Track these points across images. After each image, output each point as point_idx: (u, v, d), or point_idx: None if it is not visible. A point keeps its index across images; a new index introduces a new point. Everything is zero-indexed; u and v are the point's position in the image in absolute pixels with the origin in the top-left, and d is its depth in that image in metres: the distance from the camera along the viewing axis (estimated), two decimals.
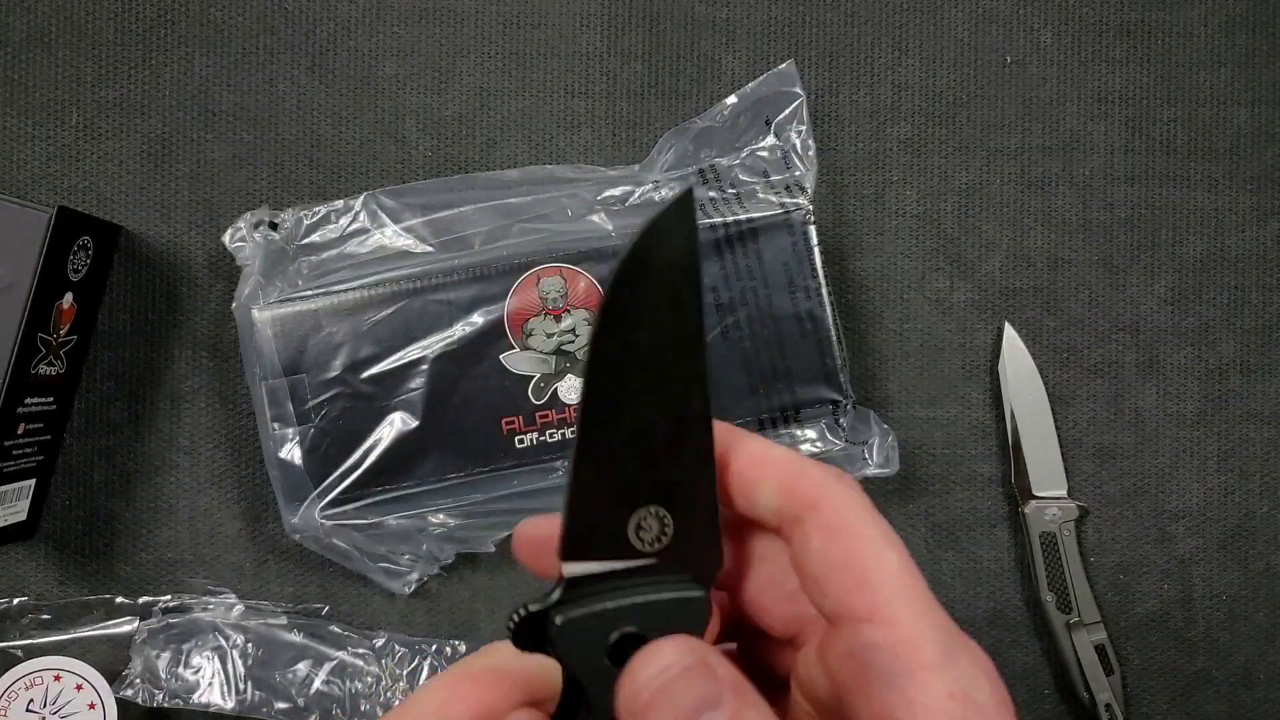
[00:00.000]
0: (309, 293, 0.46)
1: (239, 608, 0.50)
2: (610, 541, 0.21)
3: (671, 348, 0.21)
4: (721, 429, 0.22)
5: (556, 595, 0.21)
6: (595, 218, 0.47)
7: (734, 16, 0.52)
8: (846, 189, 0.52)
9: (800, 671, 0.23)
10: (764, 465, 0.22)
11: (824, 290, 0.48)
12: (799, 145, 0.48)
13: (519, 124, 0.51)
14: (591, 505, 0.21)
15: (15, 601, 0.49)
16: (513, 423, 0.47)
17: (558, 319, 0.47)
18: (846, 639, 0.21)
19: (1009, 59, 0.53)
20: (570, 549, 0.21)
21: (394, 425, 0.46)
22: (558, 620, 0.21)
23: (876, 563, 0.21)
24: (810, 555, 0.21)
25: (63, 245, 0.45)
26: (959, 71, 0.52)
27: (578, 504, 0.21)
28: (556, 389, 0.47)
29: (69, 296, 0.46)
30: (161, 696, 0.48)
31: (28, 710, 0.48)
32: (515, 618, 0.21)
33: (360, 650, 0.49)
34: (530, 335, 0.47)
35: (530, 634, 0.21)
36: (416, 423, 0.46)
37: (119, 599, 0.50)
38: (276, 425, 0.46)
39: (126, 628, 0.49)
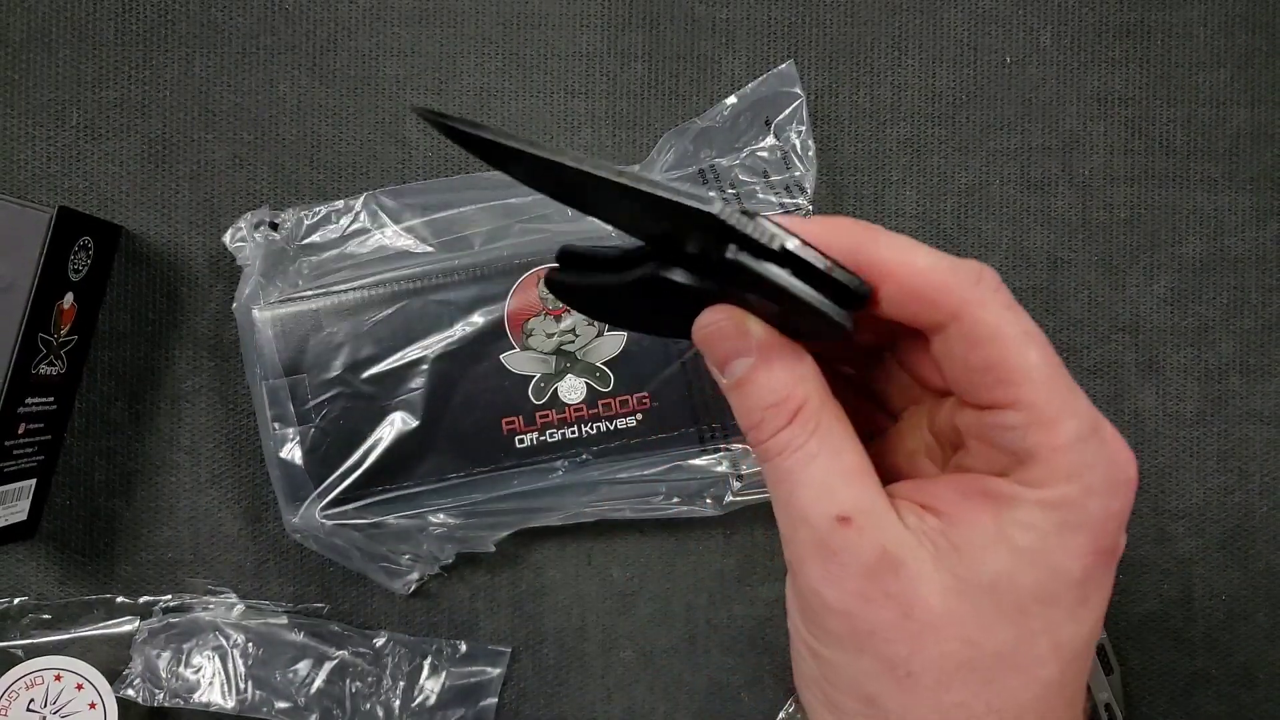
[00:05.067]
0: (309, 293, 0.46)
1: (239, 607, 0.50)
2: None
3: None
4: (855, 228, 0.24)
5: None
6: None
7: (734, 17, 0.52)
8: (846, 189, 0.52)
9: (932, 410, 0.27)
10: (903, 279, 0.24)
11: None
12: (799, 145, 0.48)
13: (519, 124, 0.51)
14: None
15: (15, 601, 0.49)
16: (513, 423, 0.47)
17: (558, 319, 0.47)
18: (985, 418, 0.24)
19: (1008, 59, 0.53)
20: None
21: (394, 425, 0.46)
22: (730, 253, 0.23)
23: (1018, 362, 0.23)
24: (953, 361, 0.24)
25: (63, 245, 0.45)
26: (958, 72, 0.53)
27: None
28: (557, 389, 0.47)
29: (69, 296, 0.46)
30: (162, 696, 0.48)
31: (28, 710, 0.48)
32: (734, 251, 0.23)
33: (360, 650, 0.49)
34: (530, 335, 0.47)
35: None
36: (417, 423, 0.46)
37: (119, 599, 0.50)
38: (277, 425, 0.46)
39: (127, 627, 0.49)
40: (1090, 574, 0.24)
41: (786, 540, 0.25)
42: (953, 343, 0.24)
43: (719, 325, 0.25)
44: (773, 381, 0.25)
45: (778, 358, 0.25)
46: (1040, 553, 0.23)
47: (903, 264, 0.24)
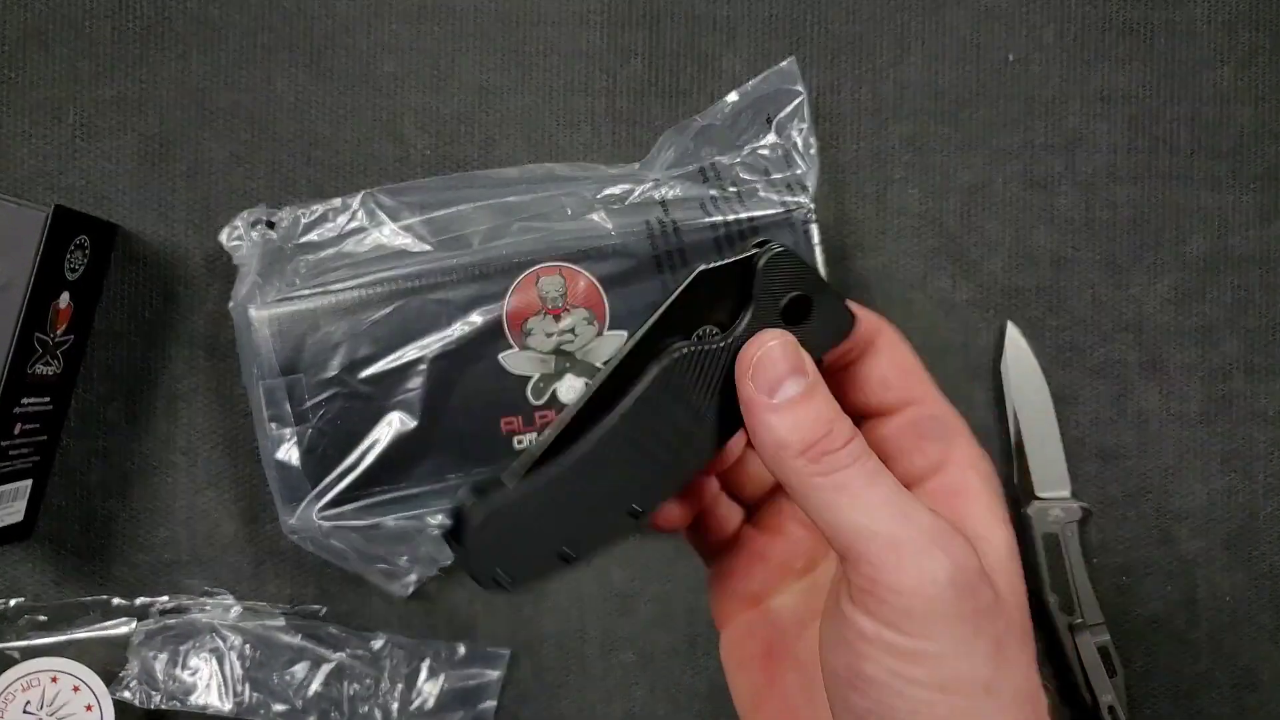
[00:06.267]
0: (306, 292, 0.46)
1: (236, 609, 0.49)
2: None
3: None
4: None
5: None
6: (595, 216, 0.47)
7: (735, 14, 0.52)
8: (848, 187, 0.52)
9: None
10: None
11: None
12: (800, 143, 0.48)
13: (518, 122, 0.51)
14: None
15: (12, 603, 0.49)
16: (512, 423, 0.46)
17: (557, 318, 0.47)
18: (907, 415, 0.29)
19: (1011, 57, 0.52)
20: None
21: (392, 425, 0.46)
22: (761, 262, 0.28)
23: (922, 370, 0.30)
24: (880, 364, 0.30)
25: (59, 244, 0.45)
26: (961, 69, 0.52)
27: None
28: (556, 389, 0.47)
29: (66, 296, 0.46)
30: (159, 698, 0.48)
31: (25, 712, 0.48)
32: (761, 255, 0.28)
33: (358, 652, 0.49)
34: (529, 335, 0.46)
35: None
36: (415, 423, 0.46)
37: (116, 600, 0.50)
38: (274, 425, 0.45)
39: (124, 629, 0.49)
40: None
41: (884, 536, 0.24)
42: (880, 352, 0.30)
43: (778, 345, 0.27)
44: (830, 403, 0.26)
45: (824, 385, 0.27)
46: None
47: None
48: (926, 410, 0.29)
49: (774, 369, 0.26)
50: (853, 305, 0.29)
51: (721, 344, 0.27)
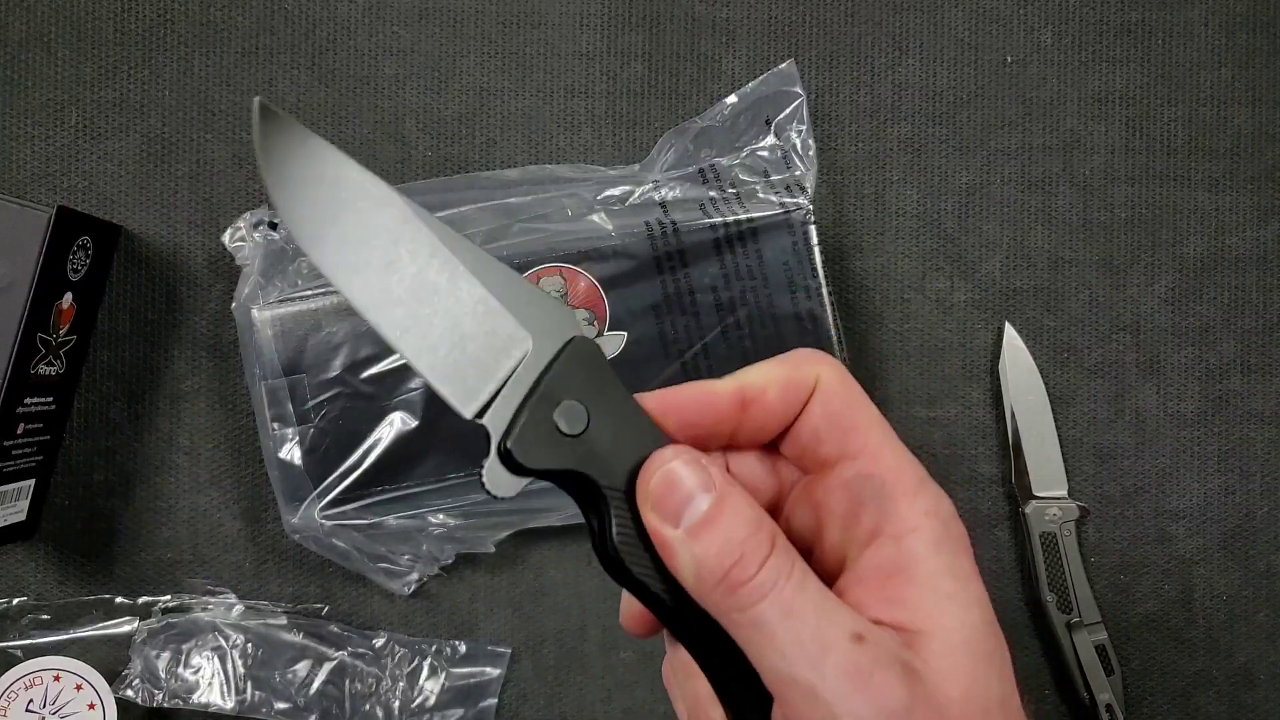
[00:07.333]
0: (309, 292, 0.46)
1: (239, 608, 0.50)
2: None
3: None
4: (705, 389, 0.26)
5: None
6: (595, 218, 0.47)
7: (734, 16, 0.52)
8: (847, 189, 0.52)
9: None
10: (769, 386, 0.26)
11: (824, 290, 0.48)
12: (799, 145, 0.48)
13: (519, 124, 0.51)
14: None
15: (15, 601, 0.49)
16: None
17: None
18: (840, 474, 0.25)
19: (1009, 59, 0.53)
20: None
21: (394, 425, 0.46)
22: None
23: (864, 416, 0.25)
24: (812, 414, 0.26)
25: (62, 245, 0.45)
26: (959, 71, 0.52)
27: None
28: None
29: (68, 296, 0.46)
30: (161, 696, 0.48)
31: (27, 710, 0.48)
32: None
33: (360, 650, 0.49)
34: None
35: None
36: (416, 423, 0.46)
37: (118, 599, 0.50)
38: (276, 425, 0.46)
39: (126, 628, 0.49)
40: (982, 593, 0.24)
41: (801, 684, 0.22)
42: (813, 403, 0.26)
43: (678, 462, 0.23)
44: (740, 514, 0.23)
45: (735, 486, 0.24)
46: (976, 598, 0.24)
47: (764, 377, 0.26)
48: (860, 467, 0.25)
49: (677, 492, 0.23)
50: (803, 355, 0.26)
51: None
